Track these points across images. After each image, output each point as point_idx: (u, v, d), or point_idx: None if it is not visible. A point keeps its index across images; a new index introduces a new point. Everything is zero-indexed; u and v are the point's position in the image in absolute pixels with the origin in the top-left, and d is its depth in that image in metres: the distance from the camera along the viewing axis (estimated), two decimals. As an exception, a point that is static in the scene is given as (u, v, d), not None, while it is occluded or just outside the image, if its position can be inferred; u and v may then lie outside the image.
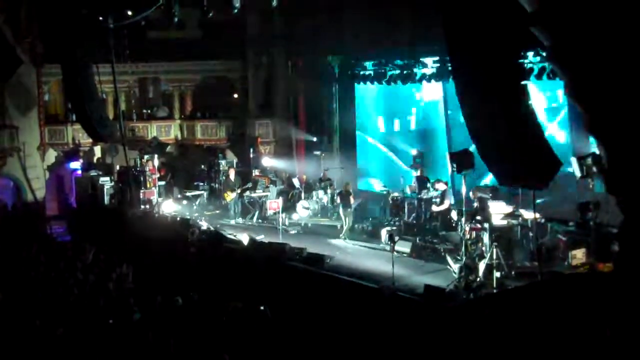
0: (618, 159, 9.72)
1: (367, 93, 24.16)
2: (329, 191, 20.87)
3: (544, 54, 15.57)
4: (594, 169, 13.70)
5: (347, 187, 18.90)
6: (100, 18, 21.20)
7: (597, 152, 12.39)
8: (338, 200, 18.98)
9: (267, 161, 25.49)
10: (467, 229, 14.81)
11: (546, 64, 16.65)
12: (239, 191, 21.31)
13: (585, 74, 9.54)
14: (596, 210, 14.38)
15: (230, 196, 21.28)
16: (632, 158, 9.43)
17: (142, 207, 21.47)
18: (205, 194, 23.36)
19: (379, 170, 24.02)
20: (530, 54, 17.20)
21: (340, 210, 18.64)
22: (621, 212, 10.16)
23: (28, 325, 11.74)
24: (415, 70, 21.19)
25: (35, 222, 24.67)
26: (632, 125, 9.22)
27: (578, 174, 14.04)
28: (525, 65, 17.25)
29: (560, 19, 9.57)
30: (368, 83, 23.31)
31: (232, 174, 21.99)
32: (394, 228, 17.54)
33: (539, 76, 17.45)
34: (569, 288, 11.61)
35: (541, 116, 16.33)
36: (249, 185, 21.55)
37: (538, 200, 13.77)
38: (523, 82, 12.38)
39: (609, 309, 9.12)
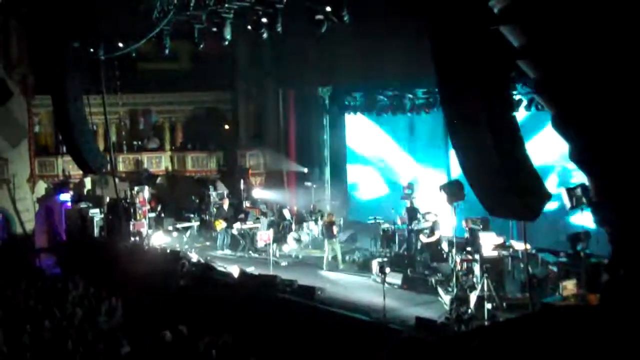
0: (604, 190, 9.76)
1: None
2: (319, 222, 20.85)
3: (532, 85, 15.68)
4: (583, 199, 13.75)
5: (330, 218, 18.98)
6: (91, 50, 21.27)
7: (586, 183, 12.44)
8: (323, 231, 19.03)
9: (258, 192, 25.49)
10: (458, 260, 14.81)
11: (535, 95, 16.75)
12: (225, 224, 21.25)
13: (572, 106, 9.61)
14: (586, 241, 14.39)
15: (221, 225, 21.26)
16: (618, 190, 9.46)
17: (132, 239, 21.37)
18: (195, 225, 23.29)
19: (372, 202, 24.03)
20: (519, 85, 17.33)
21: (325, 241, 18.66)
22: (609, 243, 10.16)
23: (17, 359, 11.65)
24: (405, 101, 21.31)
25: (25, 255, 24.49)
26: (619, 158, 9.26)
27: (568, 205, 14.07)
28: (515, 96, 17.40)
29: (547, 53, 9.66)
30: (358, 113, 23.42)
31: (225, 204, 22.06)
32: (385, 259, 17.50)
33: (528, 107, 17.59)
34: (559, 321, 11.56)
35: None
36: (241, 216, 21.53)
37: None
38: (512, 114, 12.45)
39: (596, 342, 9.08)
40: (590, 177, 10.38)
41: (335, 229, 18.75)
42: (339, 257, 18.59)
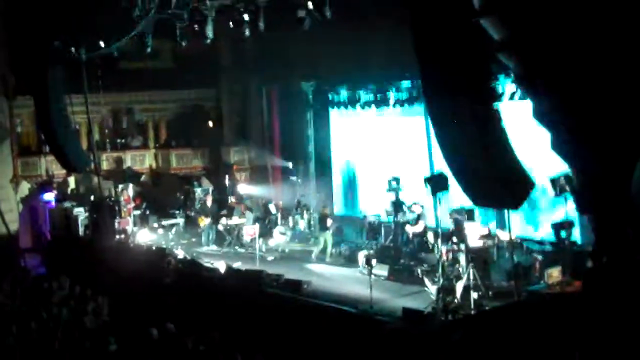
0: (586, 180, 9.86)
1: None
2: (305, 216, 20.88)
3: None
4: (567, 188, 13.88)
5: (324, 210, 19.07)
6: (73, 49, 21.15)
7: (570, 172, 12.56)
8: (315, 224, 19.11)
9: (243, 188, 25.47)
10: (444, 250, 14.89)
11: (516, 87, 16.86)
12: (208, 220, 21.24)
13: (551, 96, 9.71)
14: (570, 229, 14.54)
15: (204, 221, 21.26)
16: (601, 179, 9.57)
17: (117, 237, 21.31)
18: (181, 222, 23.25)
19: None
20: (501, 76, 17.42)
21: (318, 233, 18.75)
22: (592, 231, 10.29)
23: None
24: (388, 94, 21.37)
25: (9, 255, 24.33)
26: (601, 146, 9.36)
27: (552, 193, 14.21)
28: (497, 87, 17.49)
29: (526, 44, 9.75)
30: (342, 108, 23.46)
31: (209, 201, 22.08)
32: (371, 252, 17.58)
33: (510, 98, 17.68)
34: (545, 308, 11.69)
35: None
36: (224, 212, 21.53)
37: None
38: (494, 104, 12.53)
39: (578, 330, 9.21)
40: (572, 167, 10.49)
41: (329, 222, 18.83)
42: (329, 249, 18.66)
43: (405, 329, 12.31)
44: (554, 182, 14.31)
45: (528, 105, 15.27)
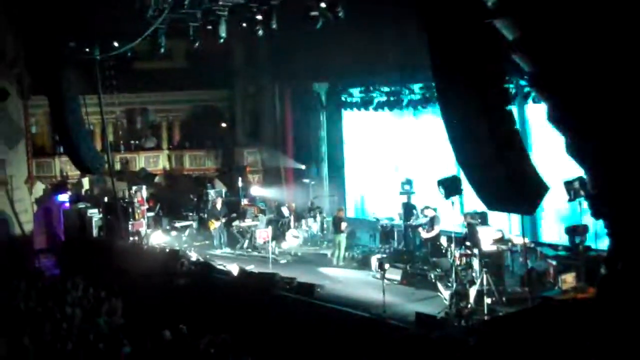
0: (601, 184, 9.75)
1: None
2: (318, 219, 20.84)
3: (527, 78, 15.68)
4: (581, 192, 13.76)
5: (339, 213, 19.00)
6: (87, 50, 21.24)
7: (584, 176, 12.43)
8: (331, 227, 19.06)
9: (256, 190, 25.45)
10: (457, 255, 14.80)
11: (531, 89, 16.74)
12: (223, 220, 21.25)
13: (566, 99, 9.60)
14: (584, 234, 14.41)
15: (214, 224, 21.27)
16: (616, 183, 9.46)
17: (131, 238, 21.35)
18: (194, 224, 23.26)
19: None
20: (515, 78, 17.31)
21: (333, 235, 18.69)
22: (608, 236, 10.16)
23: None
24: (402, 96, 21.30)
25: (24, 256, 24.47)
26: (617, 150, 9.25)
27: (566, 197, 14.09)
28: (511, 89, 17.38)
29: (541, 46, 9.65)
30: (355, 110, 23.40)
31: (218, 203, 22.05)
32: (384, 256, 17.51)
33: (524, 100, 17.57)
34: (559, 314, 11.57)
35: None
36: (234, 215, 21.52)
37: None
38: (508, 107, 12.43)
39: (594, 336, 9.09)
40: (587, 171, 10.37)
41: (343, 225, 18.72)
42: (342, 253, 18.58)
43: (421, 334, 12.22)
44: (568, 186, 14.18)
45: (541, 108, 15.25)
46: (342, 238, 18.63)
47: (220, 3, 17.88)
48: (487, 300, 13.44)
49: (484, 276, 13.70)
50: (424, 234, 17.49)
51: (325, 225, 20.92)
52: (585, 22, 9.10)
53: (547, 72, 9.83)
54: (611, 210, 9.72)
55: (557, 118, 9.98)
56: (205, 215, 22.82)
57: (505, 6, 10.04)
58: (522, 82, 17.36)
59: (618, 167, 9.46)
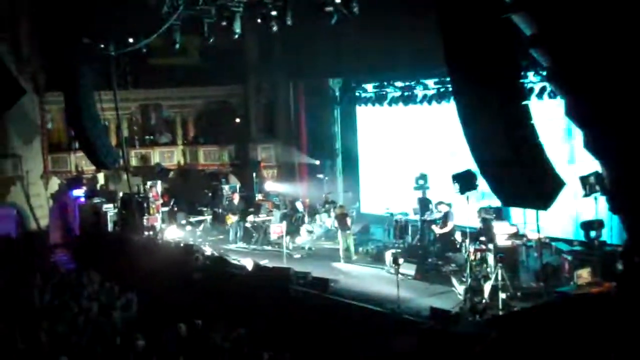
0: (620, 179, 9.71)
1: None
2: (332, 214, 20.86)
3: (544, 73, 15.63)
4: (597, 187, 13.69)
5: (342, 210, 19.03)
6: (102, 46, 21.35)
7: (600, 171, 12.38)
8: (336, 224, 19.08)
9: (270, 185, 25.52)
10: (472, 250, 14.78)
11: (547, 84, 16.67)
12: (239, 215, 21.32)
13: (585, 95, 9.56)
14: (600, 229, 14.33)
15: (231, 219, 21.36)
16: (633, 177, 9.42)
17: (146, 233, 21.46)
18: (208, 219, 23.35)
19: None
20: (530, 73, 17.25)
21: (339, 233, 18.70)
22: (624, 231, 10.12)
23: (34, 354, 11.71)
24: (416, 91, 21.27)
25: (40, 251, 24.62)
26: (633, 145, 9.21)
27: (581, 193, 14.03)
28: (526, 84, 17.31)
29: (560, 41, 9.62)
30: (369, 105, 23.38)
31: (236, 198, 22.19)
32: (398, 250, 17.50)
33: (539, 95, 17.48)
34: (575, 309, 11.53)
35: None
36: (252, 209, 21.59)
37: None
38: (524, 102, 12.39)
39: (613, 331, 9.06)
40: (604, 165, 10.34)
41: (348, 221, 18.77)
42: (352, 249, 18.60)
43: (439, 328, 12.21)
44: (584, 181, 14.11)
45: (558, 103, 15.18)
46: (348, 235, 18.65)
47: (235, -1, 17.94)
48: (502, 295, 13.42)
49: (499, 271, 13.67)
50: (438, 230, 17.48)
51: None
52: (603, 17, 9.06)
53: (566, 67, 9.80)
54: (629, 205, 9.68)
55: (576, 113, 9.96)
56: (221, 210, 22.91)
57: (523, 1, 10.01)
58: (537, 77, 17.31)
59: (634, 163, 9.42)
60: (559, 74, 10.14)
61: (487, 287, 13.77)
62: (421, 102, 21.20)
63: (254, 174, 25.81)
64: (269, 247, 20.44)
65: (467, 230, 15.12)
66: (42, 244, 25.44)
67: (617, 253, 13.16)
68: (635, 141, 9.18)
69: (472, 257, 14.67)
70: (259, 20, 19.00)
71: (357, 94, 23.91)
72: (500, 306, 13.27)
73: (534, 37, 10.04)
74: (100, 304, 14.74)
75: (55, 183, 27.54)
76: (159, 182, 23.50)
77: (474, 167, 13.50)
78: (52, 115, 28.30)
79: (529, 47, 10.31)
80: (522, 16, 10.14)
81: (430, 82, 20.77)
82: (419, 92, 21.18)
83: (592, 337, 9.56)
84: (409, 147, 22.63)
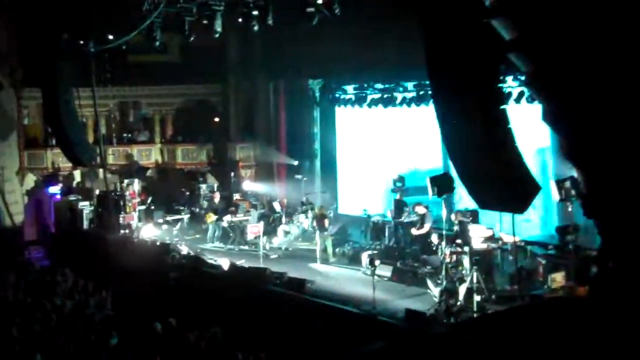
0: (596, 183, 9.81)
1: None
2: (309, 215, 20.86)
3: (523, 78, 15.77)
4: (573, 192, 13.83)
5: (321, 211, 19.03)
6: (81, 42, 21.18)
7: (576, 175, 12.50)
8: (314, 224, 19.09)
9: (248, 185, 25.48)
10: (448, 252, 14.85)
11: (525, 88, 16.81)
12: (215, 217, 21.29)
13: (562, 100, 9.65)
14: (575, 234, 14.47)
15: (211, 218, 21.30)
16: (609, 183, 9.51)
17: (122, 231, 21.32)
18: (185, 218, 23.26)
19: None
20: (509, 78, 17.38)
21: (317, 234, 18.71)
22: (599, 235, 10.22)
23: (6, 352, 11.60)
24: (395, 94, 21.33)
25: (14, 248, 24.37)
26: (610, 150, 9.31)
27: (557, 197, 14.16)
28: (504, 89, 17.44)
29: (538, 46, 9.69)
30: (349, 107, 23.42)
31: (216, 197, 22.18)
32: (375, 252, 17.54)
33: (517, 100, 17.62)
34: (548, 312, 11.63)
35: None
36: (232, 209, 21.55)
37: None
38: (502, 107, 12.49)
39: (585, 334, 9.14)
40: (580, 170, 10.43)
41: (326, 222, 18.79)
42: (330, 250, 18.61)
43: (412, 330, 12.26)
44: (559, 184, 14.25)
45: (535, 108, 15.30)
46: (327, 236, 18.67)
47: (217, -3, 17.88)
48: (477, 298, 13.51)
49: (474, 274, 13.77)
50: (415, 231, 17.54)
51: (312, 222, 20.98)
52: (581, 23, 9.14)
53: (543, 72, 9.87)
54: (603, 209, 9.78)
55: (553, 118, 10.04)
56: (198, 209, 22.83)
57: (502, 6, 10.08)
58: (516, 82, 17.45)
59: (611, 168, 9.52)
60: (536, 79, 10.22)
61: (462, 290, 13.85)
62: (401, 104, 21.27)
63: (232, 174, 25.77)
64: (246, 247, 20.38)
65: (444, 232, 15.18)
66: (17, 241, 25.20)
67: (591, 257, 13.29)
68: (611, 146, 9.28)
69: (447, 260, 14.75)
70: (240, 20, 18.96)
71: (336, 95, 23.93)
72: (475, 309, 13.35)
73: (512, 42, 10.11)
74: (74, 301, 14.64)
75: (31, 179, 27.29)
76: (136, 180, 23.37)
77: (451, 169, 13.62)
78: (29, 111, 28.07)
79: (507, 52, 10.38)
80: (501, 21, 10.21)
81: (409, 85, 20.83)
82: (399, 94, 21.24)
83: (564, 340, 9.65)
84: (387, 149, 22.69)
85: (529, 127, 15.68)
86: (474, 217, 16.28)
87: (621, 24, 8.86)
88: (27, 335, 12.46)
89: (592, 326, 9.38)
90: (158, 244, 19.73)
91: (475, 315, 13.19)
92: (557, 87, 9.74)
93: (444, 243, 15.13)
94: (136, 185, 23.02)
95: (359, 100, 22.69)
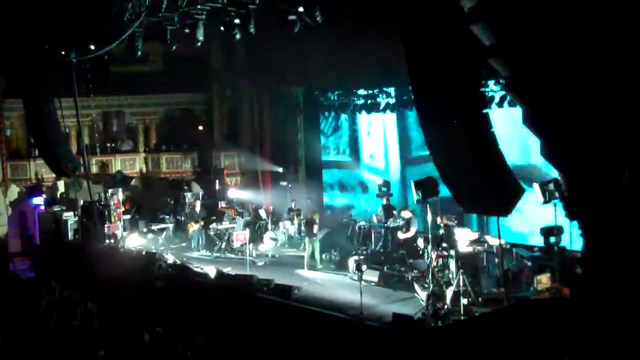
0: (577, 186, 9.90)
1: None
2: (295, 222, 20.86)
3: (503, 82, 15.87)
4: (556, 194, 13.93)
5: (312, 216, 19.00)
6: (63, 52, 21.10)
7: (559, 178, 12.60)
8: (303, 229, 19.08)
9: (234, 193, 25.45)
10: (434, 256, 14.89)
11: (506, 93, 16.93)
12: (202, 223, 21.25)
13: (541, 103, 9.74)
14: (559, 235, 14.57)
15: (193, 227, 21.25)
16: (590, 184, 9.61)
17: (107, 241, 21.24)
18: (171, 227, 23.19)
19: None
20: (491, 82, 17.51)
21: (306, 239, 18.72)
22: (581, 237, 10.32)
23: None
24: (379, 99, 21.42)
25: (-2, 259, 24.24)
26: (590, 152, 9.41)
27: (541, 199, 14.26)
28: (487, 93, 17.58)
29: (517, 51, 9.79)
30: (333, 113, 23.48)
31: (197, 206, 22.12)
32: (362, 257, 17.54)
33: (500, 104, 17.76)
34: (534, 314, 11.72)
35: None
36: (214, 217, 21.50)
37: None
38: (485, 110, 12.59)
39: (568, 334, 9.23)
40: (561, 172, 10.52)
41: (315, 228, 18.76)
42: (317, 256, 18.60)
43: (397, 334, 12.30)
44: (543, 187, 14.35)
45: (517, 111, 15.40)
46: (315, 241, 18.68)
47: (198, 7, 17.86)
48: (464, 301, 13.54)
49: (461, 277, 13.81)
50: (401, 235, 17.59)
51: (302, 228, 20.98)
52: (560, 29, 9.24)
53: (523, 77, 9.97)
54: (585, 211, 9.87)
55: (532, 122, 10.12)
56: (183, 218, 22.78)
57: (482, 11, 10.17)
58: (498, 86, 17.58)
59: (590, 170, 9.62)
60: (516, 83, 10.31)
61: (449, 293, 13.89)
62: (384, 110, 21.37)
63: (217, 182, 25.74)
64: (232, 255, 20.34)
65: (430, 236, 15.24)
66: (1, 253, 25.03)
67: (576, 258, 13.38)
68: (590, 148, 9.38)
69: (434, 264, 14.79)
70: (222, 28, 18.97)
71: (320, 101, 23.98)
72: (462, 312, 13.40)
73: (492, 47, 10.20)
74: (60, 312, 14.57)
75: (14, 191, 27.11)
76: (120, 190, 23.30)
77: (435, 174, 13.68)
78: (12, 121, 27.91)
79: (487, 57, 10.47)
80: (481, 26, 10.30)
81: (392, 91, 20.92)
82: (382, 100, 21.33)
83: (547, 341, 9.72)
84: (373, 154, 22.78)
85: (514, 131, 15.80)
86: (460, 221, 16.35)
87: (598, 30, 8.97)
88: (11, 348, 12.40)
89: (575, 326, 9.47)
90: (144, 253, 19.65)
91: (462, 318, 13.22)
92: (535, 91, 9.84)
93: (430, 247, 15.18)
94: (120, 194, 22.94)
95: (343, 106, 22.76)
